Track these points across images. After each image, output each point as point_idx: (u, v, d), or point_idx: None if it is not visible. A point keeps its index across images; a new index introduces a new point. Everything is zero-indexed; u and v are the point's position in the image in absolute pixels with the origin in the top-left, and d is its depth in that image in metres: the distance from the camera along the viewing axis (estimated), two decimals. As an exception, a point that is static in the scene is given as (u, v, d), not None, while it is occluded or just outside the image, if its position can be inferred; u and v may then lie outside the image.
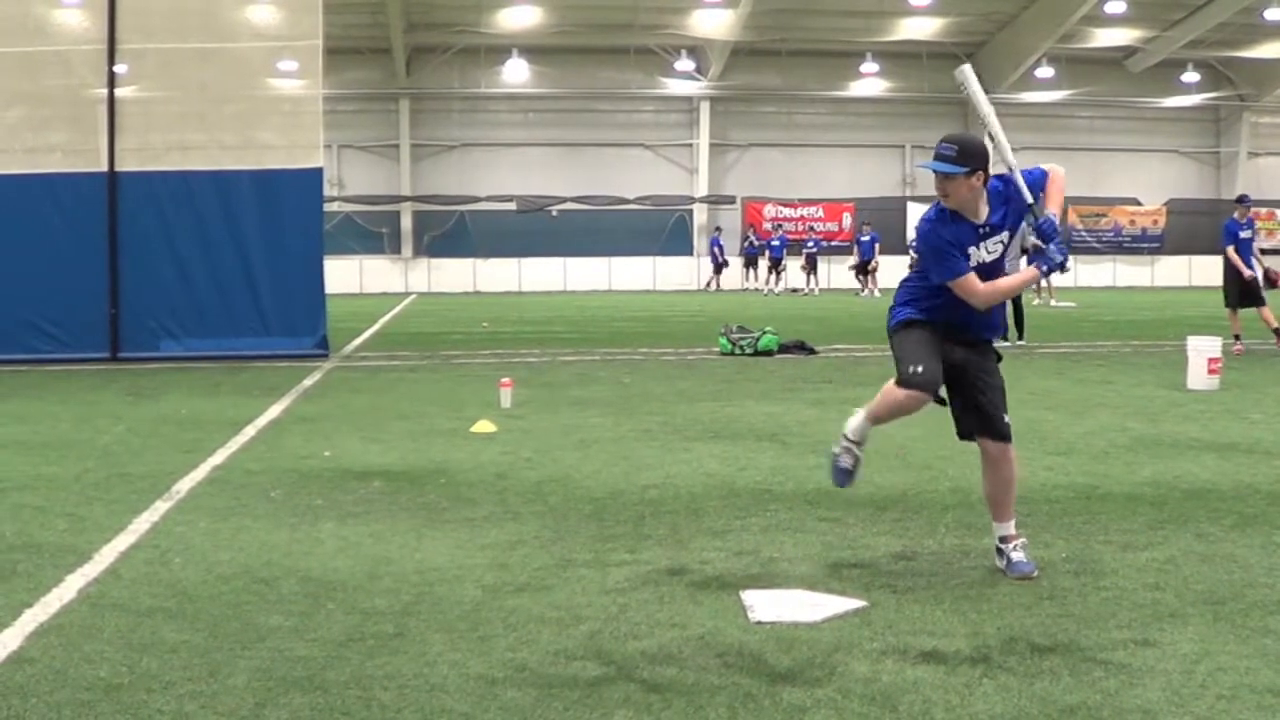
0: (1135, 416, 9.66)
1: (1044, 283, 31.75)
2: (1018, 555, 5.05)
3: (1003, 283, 5.10)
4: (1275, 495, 6.58)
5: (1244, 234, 15.74)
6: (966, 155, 4.90)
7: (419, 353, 16.29)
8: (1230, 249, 15.69)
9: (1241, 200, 16.35)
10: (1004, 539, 5.12)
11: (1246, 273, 15.64)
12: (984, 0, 40.21)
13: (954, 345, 5.10)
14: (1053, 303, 29.63)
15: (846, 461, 5.23)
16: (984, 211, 5.04)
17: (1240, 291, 15.66)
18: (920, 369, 5.02)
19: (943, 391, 5.13)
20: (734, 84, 43.78)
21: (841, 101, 44.97)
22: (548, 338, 19.21)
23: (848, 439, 5.24)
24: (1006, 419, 5.10)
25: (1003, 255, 5.10)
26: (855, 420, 5.24)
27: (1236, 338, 15.65)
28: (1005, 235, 5.08)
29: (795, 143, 44.88)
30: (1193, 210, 46.00)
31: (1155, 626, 4.31)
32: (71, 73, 15.26)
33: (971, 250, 5.03)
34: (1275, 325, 15.58)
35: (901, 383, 5.06)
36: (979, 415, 5.11)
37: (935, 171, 4.93)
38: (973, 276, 5.04)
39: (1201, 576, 4.95)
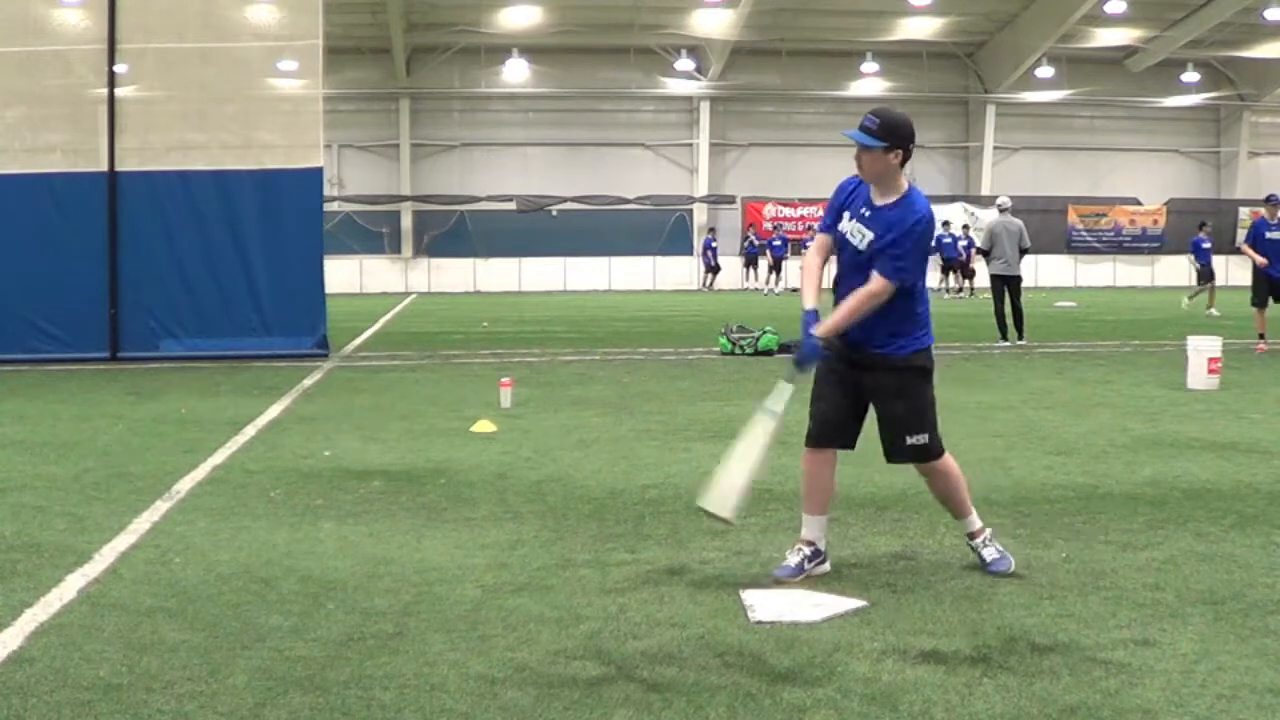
0: (1135, 416, 9.66)
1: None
2: (990, 553, 5.04)
3: (807, 278, 4.95)
4: (1275, 495, 6.59)
5: (1271, 234, 15.93)
6: (888, 131, 4.80)
7: (419, 352, 16.28)
8: (1248, 245, 15.97)
9: (1270, 200, 16.38)
10: (970, 535, 5.11)
11: (1259, 260, 15.81)
12: (984, 0, 40.21)
13: (851, 367, 5.00)
14: (1030, 298, 29.44)
15: (794, 559, 5.02)
16: (891, 198, 4.87)
17: (1267, 288, 15.84)
18: (810, 425, 5.10)
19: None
20: (734, 84, 43.76)
21: (841, 101, 44.88)
22: (548, 338, 19.20)
23: (801, 543, 5.08)
24: (910, 440, 4.94)
25: (863, 256, 4.87)
26: (804, 529, 5.11)
27: (1261, 336, 15.71)
28: (872, 237, 4.85)
29: (795, 143, 44.81)
30: (1193, 210, 45.88)
31: (1155, 626, 4.31)
32: (71, 72, 15.25)
33: (845, 215, 4.92)
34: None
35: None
36: (886, 442, 5.05)
37: (855, 141, 4.84)
38: (821, 238, 5.00)
39: (1201, 576, 4.95)
